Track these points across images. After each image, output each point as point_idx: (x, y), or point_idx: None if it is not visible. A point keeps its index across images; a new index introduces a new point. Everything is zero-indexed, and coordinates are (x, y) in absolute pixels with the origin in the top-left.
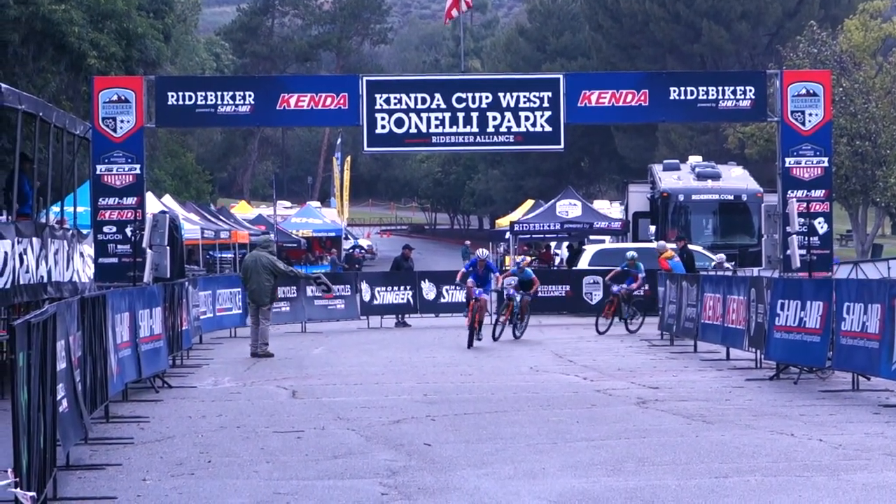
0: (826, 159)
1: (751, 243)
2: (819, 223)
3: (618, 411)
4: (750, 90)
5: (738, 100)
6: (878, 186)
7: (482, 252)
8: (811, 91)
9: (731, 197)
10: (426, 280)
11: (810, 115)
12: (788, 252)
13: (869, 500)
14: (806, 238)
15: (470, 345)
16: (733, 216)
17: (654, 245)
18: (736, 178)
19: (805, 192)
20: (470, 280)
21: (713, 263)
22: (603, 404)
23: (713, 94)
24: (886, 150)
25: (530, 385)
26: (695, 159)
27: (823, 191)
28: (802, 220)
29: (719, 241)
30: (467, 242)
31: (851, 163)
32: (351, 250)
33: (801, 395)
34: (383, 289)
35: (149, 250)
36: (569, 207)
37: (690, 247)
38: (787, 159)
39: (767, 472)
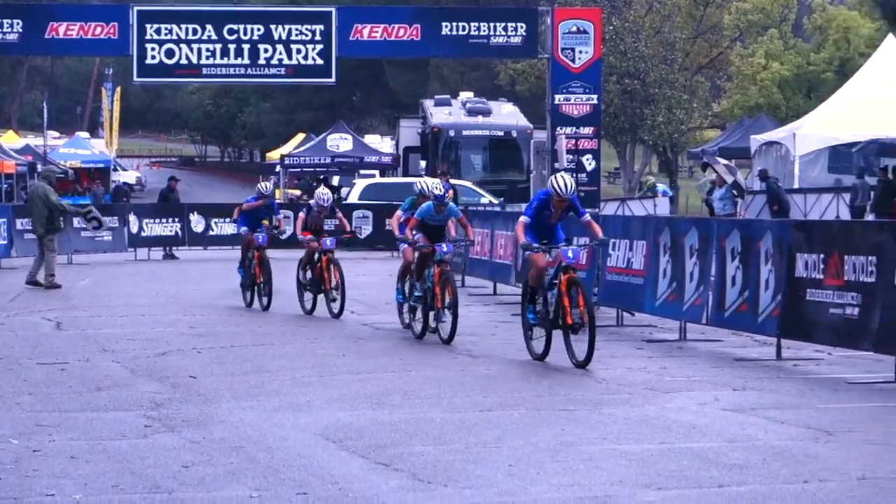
0: (595, 97)
1: (520, 179)
2: (587, 160)
3: (384, 345)
4: (521, 27)
5: (509, 36)
6: (646, 125)
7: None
8: (581, 29)
9: (501, 133)
10: (195, 212)
11: (580, 52)
12: None
13: (629, 433)
14: (574, 174)
15: (422, 335)
16: (503, 152)
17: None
18: (506, 115)
19: (574, 128)
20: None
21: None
22: (370, 338)
23: (485, 30)
24: (655, 90)
25: (296, 320)
26: (466, 95)
27: (592, 128)
28: (571, 156)
29: (489, 176)
30: (421, 181)
31: (620, 101)
32: (119, 183)
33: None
34: (151, 221)
35: None
36: (340, 141)
37: (458, 181)
38: (557, 96)
39: (531, 406)
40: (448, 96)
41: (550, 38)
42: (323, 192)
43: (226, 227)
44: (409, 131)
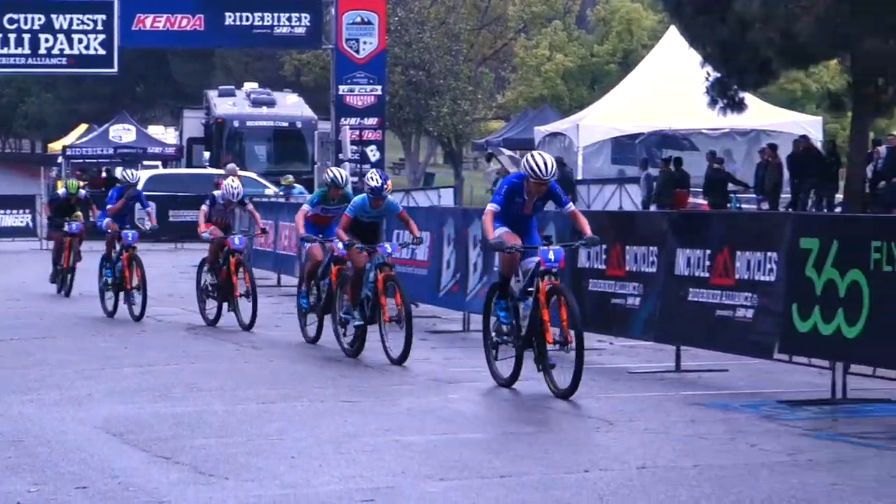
0: (379, 88)
1: (305, 170)
2: (371, 151)
3: (168, 337)
4: (305, 17)
5: (293, 27)
6: (430, 116)
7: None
8: (366, 20)
9: (285, 124)
10: None
11: (364, 43)
12: None
13: (412, 424)
14: (358, 165)
15: (357, 353)
16: (287, 143)
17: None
18: (291, 105)
19: (358, 119)
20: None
21: None
22: (153, 330)
23: (269, 21)
24: (440, 81)
25: (80, 311)
26: (250, 86)
27: (376, 119)
28: (355, 147)
29: (274, 167)
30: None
31: (405, 92)
32: None
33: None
34: None
35: None
36: (123, 132)
37: (243, 173)
38: (341, 87)
39: (315, 398)
40: (232, 87)
41: (335, 29)
42: (232, 183)
43: (6, 219)
44: (193, 122)
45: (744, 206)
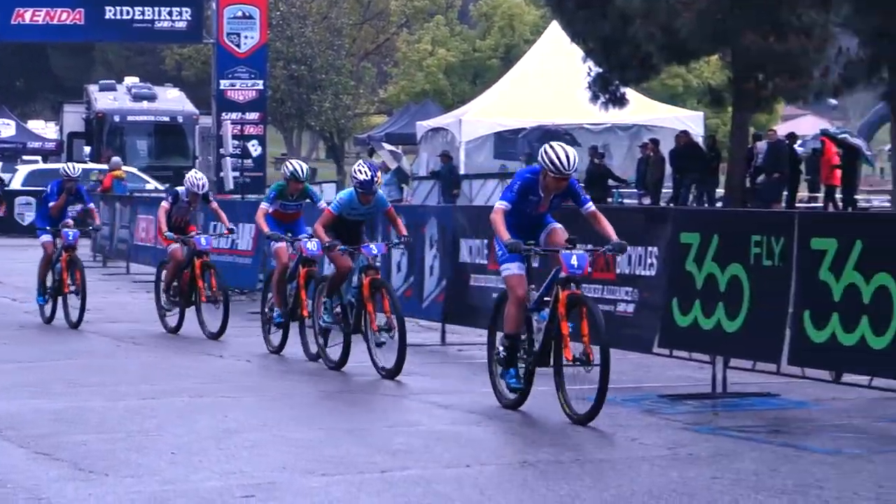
0: (261, 83)
1: (186, 164)
2: (253, 145)
3: (48, 333)
4: (186, 11)
5: (174, 21)
6: (312, 111)
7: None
8: (247, 14)
9: (166, 118)
10: None
11: (246, 37)
12: (222, 174)
13: (293, 418)
14: (240, 160)
15: (341, 366)
16: (169, 137)
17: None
18: (172, 100)
19: (239, 114)
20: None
21: None
22: (32, 326)
23: (149, 15)
24: (322, 75)
25: None
26: (131, 80)
27: (258, 113)
28: (237, 142)
29: (155, 162)
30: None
31: (287, 87)
32: None
33: (231, 317)
34: None
35: None
36: (2, 127)
37: (126, 168)
38: (223, 81)
39: (195, 393)
40: (113, 81)
41: (216, 23)
42: (196, 175)
43: None
44: (74, 116)
45: (625, 201)
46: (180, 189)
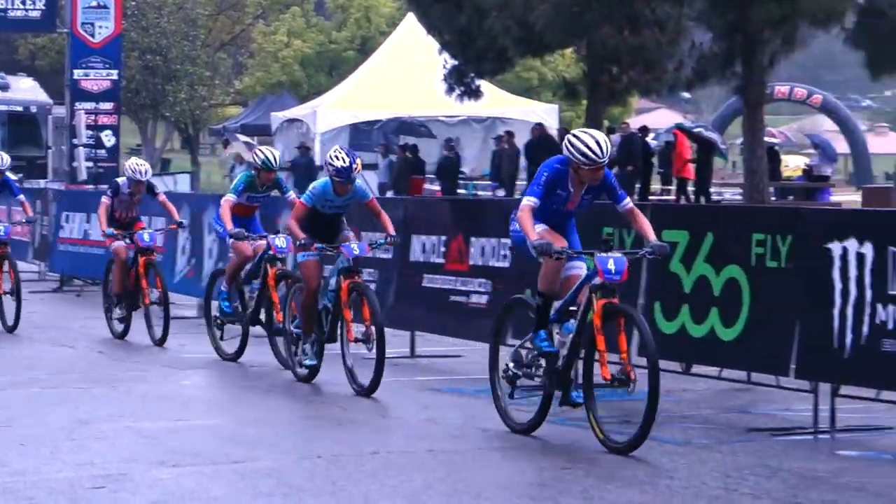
0: (115, 72)
1: (39, 155)
2: (107, 136)
3: None
4: (40, 0)
5: (27, 9)
6: (167, 101)
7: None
8: (102, 3)
9: (19, 108)
10: None
11: (101, 27)
12: (75, 164)
13: (145, 409)
14: (93, 150)
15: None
16: (21, 127)
17: None
18: (25, 90)
19: (93, 104)
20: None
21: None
22: None
23: (2, 3)
24: (177, 66)
25: None
26: None
27: (112, 104)
28: (90, 132)
29: (8, 151)
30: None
31: (142, 77)
32: None
33: (84, 307)
34: None
35: None
36: None
37: None
38: (76, 71)
39: (46, 385)
40: None
41: (69, 12)
42: (137, 162)
43: None
44: None
45: (480, 193)
46: (121, 180)
